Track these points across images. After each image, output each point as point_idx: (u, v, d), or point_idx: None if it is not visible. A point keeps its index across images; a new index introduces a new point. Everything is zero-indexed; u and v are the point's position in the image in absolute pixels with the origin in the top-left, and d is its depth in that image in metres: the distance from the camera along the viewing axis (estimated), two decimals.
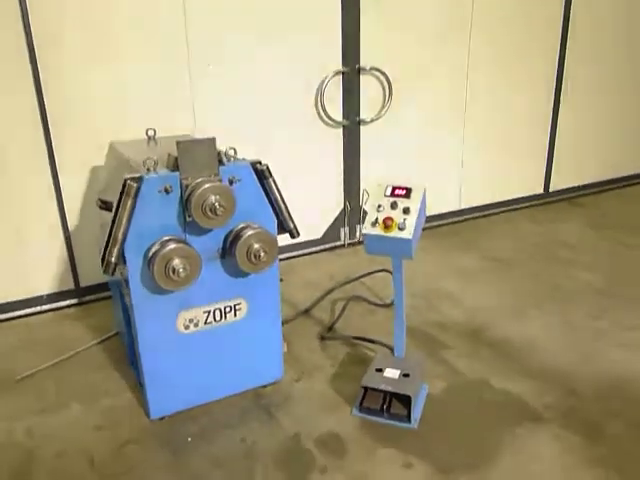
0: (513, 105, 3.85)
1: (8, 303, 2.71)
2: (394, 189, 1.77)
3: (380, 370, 2.01)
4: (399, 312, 2.00)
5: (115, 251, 1.68)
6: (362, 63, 3.24)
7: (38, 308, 2.78)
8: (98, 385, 2.18)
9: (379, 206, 1.75)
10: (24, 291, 2.74)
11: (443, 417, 1.96)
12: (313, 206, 3.31)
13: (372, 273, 2.99)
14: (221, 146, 1.84)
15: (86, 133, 2.62)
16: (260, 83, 2.99)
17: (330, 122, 3.26)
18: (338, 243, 3.54)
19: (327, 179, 3.36)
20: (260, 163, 1.84)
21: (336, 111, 3.26)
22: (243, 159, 1.88)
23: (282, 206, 1.91)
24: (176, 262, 1.67)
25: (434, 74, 3.50)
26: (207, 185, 1.67)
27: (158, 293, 1.80)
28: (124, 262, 1.73)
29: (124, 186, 1.65)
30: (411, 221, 1.69)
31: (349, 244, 3.57)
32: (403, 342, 2.07)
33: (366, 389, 1.97)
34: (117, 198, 1.67)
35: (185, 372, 1.95)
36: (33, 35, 2.44)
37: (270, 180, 1.85)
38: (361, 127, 3.37)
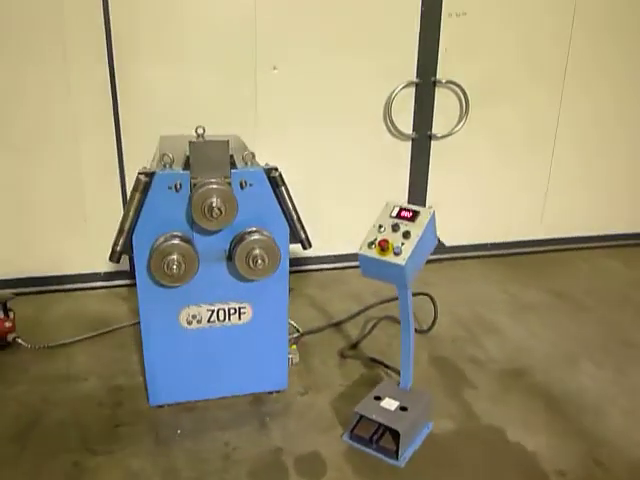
0: (614, 129, 3.52)
1: (67, 276, 2.99)
2: (400, 210, 1.71)
3: (379, 398, 1.95)
4: (406, 341, 1.92)
5: (121, 241, 1.80)
6: (438, 76, 3.14)
7: (94, 284, 3.04)
8: (118, 364, 2.34)
9: (380, 226, 1.69)
10: (85, 266, 3.00)
11: (437, 462, 1.85)
12: (373, 218, 3.28)
13: (414, 295, 2.89)
14: (250, 150, 1.90)
15: (151, 127, 2.82)
16: (326, 89, 3.02)
17: (398, 134, 3.20)
18: None
19: (390, 191, 3.30)
20: (275, 169, 1.86)
21: (406, 123, 3.19)
22: (266, 164, 1.92)
23: (294, 215, 1.91)
24: (172, 258, 1.75)
25: (519, 91, 3.30)
26: (209, 186, 1.72)
27: (163, 285, 1.89)
28: (132, 252, 1.83)
29: (136, 180, 1.76)
30: (408, 246, 1.61)
31: None
32: (409, 373, 1.99)
33: (361, 416, 1.92)
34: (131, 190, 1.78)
35: (186, 366, 2.03)
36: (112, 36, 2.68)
37: (282, 188, 1.86)
38: (432, 142, 3.27)
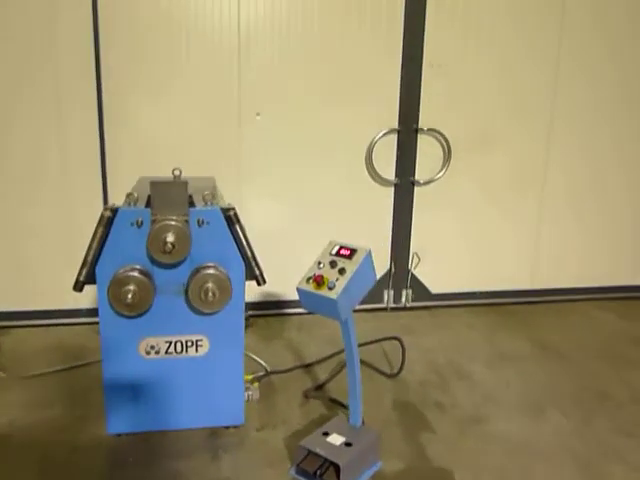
0: (607, 174, 3.71)
1: (50, 311, 3.27)
2: (340, 248, 1.93)
3: (326, 434, 2.11)
4: (351, 376, 2.10)
5: (84, 271, 2.06)
6: (420, 124, 3.40)
7: (76, 320, 3.30)
8: (86, 394, 2.57)
9: (320, 263, 1.91)
10: (68, 302, 3.27)
11: None
12: None
13: (382, 340, 3.07)
14: (210, 190, 2.17)
15: (135, 170, 3.13)
16: (308, 135, 3.31)
17: (380, 180, 3.45)
18: (380, 305, 3.65)
19: (373, 237, 3.51)
20: (231, 209, 2.12)
21: (388, 169, 3.45)
22: (229, 204, 2.18)
23: (248, 252, 2.15)
24: (128, 288, 2.00)
25: (505, 137, 3.53)
26: (166, 222, 1.99)
27: (123, 315, 2.13)
28: (95, 282, 2.09)
29: (100, 215, 2.03)
30: (342, 282, 1.82)
31: (392, 308, 3.67)
32: (358, 410, 2.15)
33: (308, 451, 2.09)
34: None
35: (144, 396, 2.23)
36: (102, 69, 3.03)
37: (237, 226, 2.11)
38: (415, 188, 3.51)
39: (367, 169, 3.42)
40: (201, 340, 2.21)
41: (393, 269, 3.59)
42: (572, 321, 3.59)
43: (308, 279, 1.89)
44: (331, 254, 1.93)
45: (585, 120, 3.61)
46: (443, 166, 3.46)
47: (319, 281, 1.84)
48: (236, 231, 2.12)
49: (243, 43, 3.13)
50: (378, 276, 3.57)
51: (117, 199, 3.12)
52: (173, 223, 1.99)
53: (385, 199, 3.49)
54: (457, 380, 2.81)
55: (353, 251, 1.90)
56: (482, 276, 3.72)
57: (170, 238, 1.97)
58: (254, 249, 2.17)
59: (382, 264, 3.57)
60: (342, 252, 1.92)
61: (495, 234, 3.67)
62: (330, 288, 1.82)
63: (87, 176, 3.14)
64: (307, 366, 2.90)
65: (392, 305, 3.67)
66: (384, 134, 3.36)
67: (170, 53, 3.08)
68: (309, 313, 3.57)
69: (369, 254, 1.89)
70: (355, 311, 3.53)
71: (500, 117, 3.51)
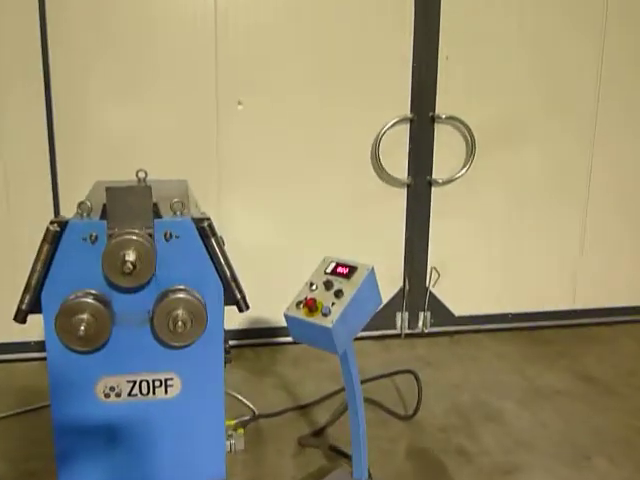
0: None
1: None
2: (336, 266, 1.91)
3: None
4: (354, 422, 2.08)
5: (27, 298, 2.04)
6: (438, 110, 3.40)
7: (25, 355, 3.28)
8: (36, 446, 2.55)
9: (312, 284, 1.89)
10: (15, 334, 3.26)
11: None
12: None
13: (394, 374, 3.05)
14: (179, 197, 2.15)
15: (97, 171, 3.13)
16: (301, 127, 3.30)
17: (390, 180, 3.44)
18: (391, 332, 3.64)
19: (382, 250, 3.50)
20: (206, 219, 2.10)
21: (399, 167, 3.44)
22: (203, 213, 2.17)
23: (227, 272, 2.13)
24: (80, 317, 1.98)
25: (538, 128, 3.53)
26: (125, 237, 1.97)
27: (75, 351, 2.11)
28: (40, 311, 2.08)
29: (46, 230, 2.02)
30: (339, 307, 1.80)
31: (407, 335, 3.65)
32: (363, 461, 2.13)
33: None
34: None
35: (103, 448, 2.21)
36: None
37: (213, 240, 2.09)
38: (432, 189, 3.50)
39: (374, 167, 3.42)
40: (171, 379, 2.19)
41: (407, 287, 3.58)
42: (622, 348, 3.57)
43: (298, 304, 1.87)
44: (326, 273, 1.91)
45: (632, 105, 3.60)
46: (466, 163, 3.46)
47: (311, 306, 1.82)
48: (212, 246, 2.10)
49: (221, 9, 3.12)
50: (389, 295, 3.56)
51: (71, 211, 3.11)
52: (134, 238, 1.98)
53: (396, 203, 3.49)
54: (485, 422, 2.79)
55: (352, 269, 1.88)
56: (514, 295, 3.72)
57: (131, 256, 1.95)
58: (234, 268, 2.15)
59: (394, 281, 3.57)
60: (339, 270, 1.90)
61: (529, 245, 3.67)
62: (324, 314, 1.80)
63: (34, 184, 3.13)
64: (303, 407, 2.88)
65: (406, 331, 3.65)
66: (394, 124, 3.36)
67: (133, 33, 3.08)
68: None
69: (372, 272, 1.87)
70: (361, 339, 3.56)
71: (535, 103, 3.51)
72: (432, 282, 3.58)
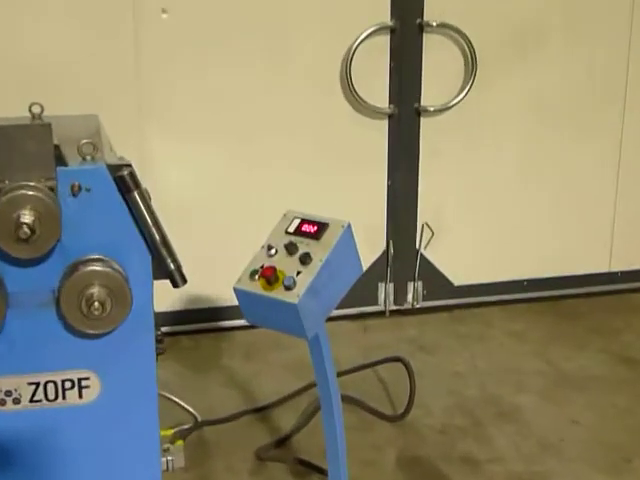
0: None
1: None
2: (302, 223, 1.88)
3: None
4: (330, 426, 2.09)
5: None
6: (426, 16, 3.37)
7: None
8: None
9: (271, 248, 1.87)
10: None
11: None
12: None
13: (378, 364, 3.08)
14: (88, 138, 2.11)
15: None
16: (245, 39, 3.25)
17: (365, 110, 3.42)
18: (373, 308, 3.66)
19: (358, 202, 3.50)
20: (126, 166, 2.07)
21: (377, 92, 3.42)
22: (121, 157, 2.14)
23: (156, 235, 2.10)
24: None
25: (561, 34, 3.55)
26: (19, 192, 1.93)
27: None
28: None
29: None
30: (307, 276, 1.79)
31: (393, 312, 3.68)
32: (342, 475, 2.15)
33: None
34: None
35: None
36: None
37: (135, 193, 2.06)
38: (422, 120, 3.49)
39: (344, 92, 3.40)
40: (87, 379, 2.17)
41: (392, 251, 3.59)
42: None
43: (252, 274, 1.85)
44: (288, 233, 1.89)
45: None
46: (465, 85, 3.46)
47: (270, 277, 1.80)
48: (135, 202, 2.06)
49: None
50: (369, 262, 3.57)
51: None
52: (31, 193, 1.94)
53: (374, 139, 3.49)
54: (497, 421, 2.83)
55: (322, 227, 1.86)
56: (531, 257, 3.75)
57: (27, 218, 1.91)
58: (165, 230, 2.13)
59: (374, 244, 3.59)
60: (305, 229, 1.88)
61: (551, 192, 3.69)
62: (288, 287, 1.78)
63: None
64: (261, 410, 2.89)
65: (392, 307, 3.68)
66: (369, 34, 3.34)
67: None
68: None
69: (348, 230, 1.85)
70: (335, 318, 3.56)
71: (555, 2, 3.50)
72: (424, 243, 3.59)
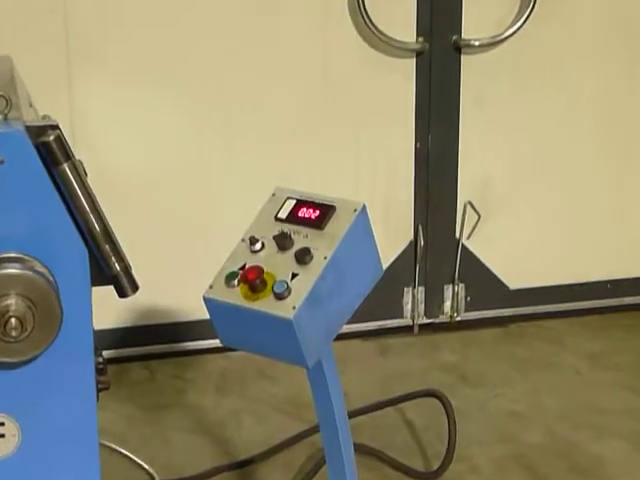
0: None
1: None
2: (299, 206, 1.90)
3: None
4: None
5: None
6: None
7: None
8: None
9: (254, 242, 1.89)
10: None
11: None
12: None
13: (405, 400, 3.10)
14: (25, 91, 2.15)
15: None
16: None
17: (385, 46, 3.45)
18: (397, 322, 3.70)
19: (375, 174, 3.55)
20: (52, 128, 2.08)
21: (401, 21, 3.46)
22: (45, 116, 2.16)
23: (95, 225, 2.12)
24: None
25: None
26: None
27: None
28: None
29: None
30: (305, 282, 1.81)
31: (424, 326, 3.70)
32: None
33: None
34: None
35: None
36: None
37: (65, 167, 2.08)
38: (462, 58, 3.52)
39: (354, 22, 3.43)
40: (1, 425, 2.20)
41: (422, 241, 3.61)
42: None
43: (229, 278, 1.86)
44: (279, 219, 1.91)
45: None
46: (522, 10, 3.47)
47: (254, 281, 1.81)
48: (66, 178, 2.08)
49: None
50: (392, 257, 3.59)
51: None
52: None
53: (397, 85, 3.53)
54: (572, 475, 2.86)
55: (327, 210, 1.86)
56: (617, 249, 3.80)
57: None
58: (107, 219, 2.15)
59: (398, 232, 3.62)
60: (303, 214, 1.89)
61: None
62: (279, 296, 1.79)
63: None
64: (240, 467, 2.92)
65: (423, 321, 3.71)
66: None
67: None
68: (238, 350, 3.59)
69: (362, 214, 1.86)
70: (341, 338, 3.55)
71: None
72: (467, 230, 3.61)
